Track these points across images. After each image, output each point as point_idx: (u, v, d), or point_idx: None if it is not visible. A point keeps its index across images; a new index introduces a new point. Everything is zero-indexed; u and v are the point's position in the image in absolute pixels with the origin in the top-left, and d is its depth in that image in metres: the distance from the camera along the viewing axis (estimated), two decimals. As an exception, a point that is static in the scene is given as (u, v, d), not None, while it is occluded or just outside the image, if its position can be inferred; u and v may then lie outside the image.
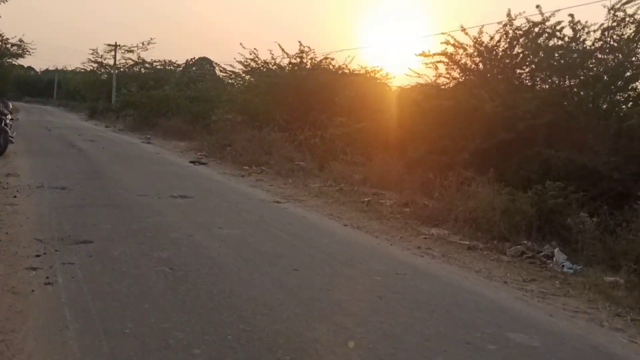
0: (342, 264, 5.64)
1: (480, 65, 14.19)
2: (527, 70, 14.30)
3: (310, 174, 13.11)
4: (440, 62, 14.68)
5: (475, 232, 7.59)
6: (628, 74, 13.64)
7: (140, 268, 5.00)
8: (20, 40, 35.58)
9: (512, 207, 7.72)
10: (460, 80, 14.72)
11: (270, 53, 21.92)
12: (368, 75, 22.78)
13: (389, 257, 6.15)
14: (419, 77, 17.39)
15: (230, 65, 27.68)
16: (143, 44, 41.85)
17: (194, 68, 39.68)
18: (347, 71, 22.58)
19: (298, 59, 22.00)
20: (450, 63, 14.45)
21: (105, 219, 6.98)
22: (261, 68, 23.48)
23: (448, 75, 14.66)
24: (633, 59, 13.40)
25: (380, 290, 4.84)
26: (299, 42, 21.61)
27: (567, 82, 13.86)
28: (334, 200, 9.87)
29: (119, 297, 4.21)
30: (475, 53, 14.03)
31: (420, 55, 14.34)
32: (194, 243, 6.05)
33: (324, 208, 9.20)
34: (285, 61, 22.71)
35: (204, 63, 39.47)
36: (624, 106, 13.48)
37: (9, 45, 34.71)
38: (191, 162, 14.79)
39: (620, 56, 13.46)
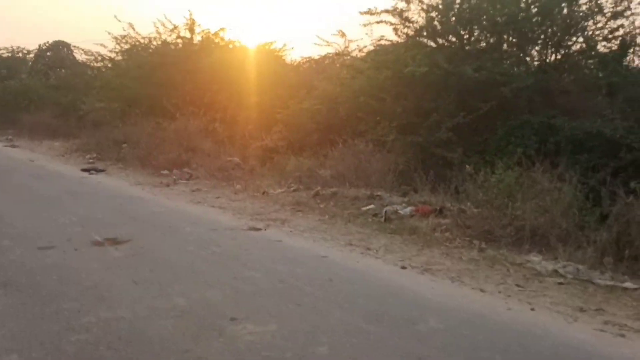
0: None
1: (436, 24, 11.37)
2: (486, 26, 11.66)
3: (253, 172, 9.74)
4: (382, 21, 11.70)
5: (601, 261, 4.77)
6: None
7: None
8: None
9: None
10: (408, 42, 11.82)
11: (155, 26, 17.77)
12: (264, 49, 19.43)
13: None
14: (329, 45, 14.95)
15: (102, 45, 23.15)
16: (-17, 29, 35.09)
17: (48, 53, 33.65)
18: (237, 45, 19.21)
19: (188, 33, 18.06)
20: (401, 22, 11.51)
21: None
22: (140, 45, 19.31)
23: (399, 37, 11.71)
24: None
25: None
26: (190, 12, 17.66)
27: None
28: (331, 216, 6.67)
29: None
30: (432, 8, 11.20)
31: (365, 13, 11.26)
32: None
33: (331, 233, 5.98)
34: (170, 37, 18.71)
35: (61, 47, 33.57)
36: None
37: None
38: (84, 170, 10.75)
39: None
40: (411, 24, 11.47)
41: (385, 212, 6.43)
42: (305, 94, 13.78)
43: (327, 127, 12.08)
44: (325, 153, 9.35)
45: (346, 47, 15.42)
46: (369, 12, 11.38)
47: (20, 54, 36.08)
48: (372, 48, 12.90)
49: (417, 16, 11.51)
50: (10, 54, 35.90)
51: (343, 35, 14.81)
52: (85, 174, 10.34)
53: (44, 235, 5.66)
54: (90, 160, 12.02)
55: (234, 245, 5.41)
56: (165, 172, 10.12)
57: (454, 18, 11.43)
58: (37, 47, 34.10)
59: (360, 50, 14.33)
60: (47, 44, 34.12)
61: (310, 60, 19.20)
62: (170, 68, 17.42)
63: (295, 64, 20.38)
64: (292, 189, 8.42)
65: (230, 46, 19.02)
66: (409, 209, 6.71)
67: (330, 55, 17.62)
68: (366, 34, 13.61)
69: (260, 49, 19.26)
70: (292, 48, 18.31)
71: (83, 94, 20.64)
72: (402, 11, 11.40)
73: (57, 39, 34.19)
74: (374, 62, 11.82)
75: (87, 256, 4.97)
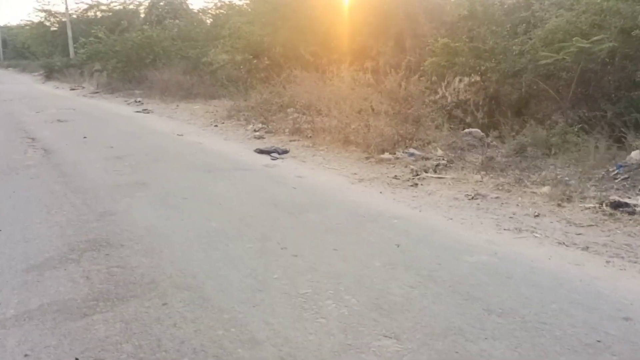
0: None
1: None
2: None
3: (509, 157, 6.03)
4: None
5: None
6: None
7: None
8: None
9: None
10: None
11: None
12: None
13: None
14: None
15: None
16: (95, -18, 33.05)
17: (161, 3, 30.97)
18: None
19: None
20: None
21: None
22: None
23: None
24: None
25: None
26: None
27: None
28: None
29: None
30: None
31: None
32: None
33: None
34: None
35: (173, -4, 30.75)
36: None
37: None
38: (261, 152, 7.44)
39: None
40: None
41: None
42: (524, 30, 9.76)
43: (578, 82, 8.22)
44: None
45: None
46: None
47: (132, 6, 33.79)
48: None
49: None
50: (122, 6, 33.66)
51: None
52: (267, 159, 7.00)
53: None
54: (256, 133, 8.70)
55: None
56: (387, 155, 6.58)
57: None
58: (148, -2, 31.59)
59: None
60: (160, -7, 31.40)
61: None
62: (310, 10, 14.03)
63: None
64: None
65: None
66: None
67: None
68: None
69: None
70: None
71: (205, 45, 17.72)
72: None
73: (170, -13, 31.53)
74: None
75: None
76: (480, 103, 9.53)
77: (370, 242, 3.94)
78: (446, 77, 9.85)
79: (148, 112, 12.31)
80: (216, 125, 9.91)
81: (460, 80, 10.05)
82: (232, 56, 15.84)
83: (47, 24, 35.79)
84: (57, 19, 35.10)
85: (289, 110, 9.82)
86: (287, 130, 8.65)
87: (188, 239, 4.14)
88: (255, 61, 15.23)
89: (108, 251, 3.94)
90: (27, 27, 38.84)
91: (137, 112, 12.50)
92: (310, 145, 7.65)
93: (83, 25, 31.47)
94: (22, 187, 5.84)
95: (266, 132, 8.78)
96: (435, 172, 5.85)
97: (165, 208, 4.95)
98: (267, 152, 7.29)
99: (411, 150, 6.67)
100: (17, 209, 5.08)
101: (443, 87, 9.87)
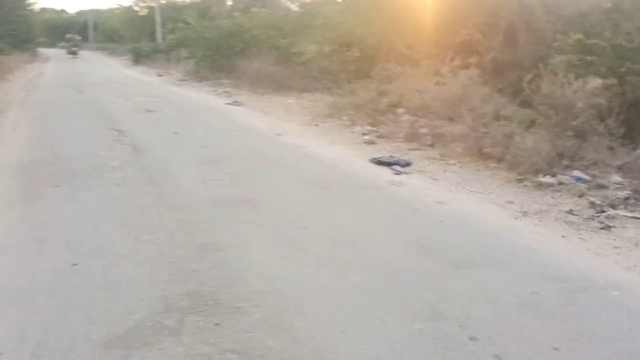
0: None
1: None
2: None
3: None
4: None
5: None
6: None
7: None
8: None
9: None
10: None
11: None
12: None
13: None
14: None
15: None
16: (184, -31, 32.64)
17: (249, -9, 30.09)
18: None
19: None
20: None
21: None
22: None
23: None
24: None
25: None
26: None
27: None
28: None
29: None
30: None
31: None
32: None
33: None
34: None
35: (262, -16, 29.78)
36: None
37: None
38: (379, 162, 6.15)
39: None
40: None
41: None
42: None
43: None
44: None
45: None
46: None
47: (220, -6, 33.19)
48: None
49: None
50: (209, -5, 33.13)
51: None
52: (388, 173, 5.69)
53: None
54: (365, 137, 7.43)
55: None
56: (547, 179, 5.14)
57: None
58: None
59: None
60: (248, -19, 30.58)
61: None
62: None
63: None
64: None
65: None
66: None
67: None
68: None
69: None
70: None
71: (293, 35, 16.59)
72: None
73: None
74: None
75: None
76: (617, 110, 7.88)
77: (604, 337, 2.57)
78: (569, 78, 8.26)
79: (239, 105, 11.28)
80: (317, 125, 8.70)
81: (585, 82, 8.41)
82: (320, 47, 14.71)
83: (137, 8, 35.87)
84: (146, 4, 35.07)
85: (399, 110, 8.50)
86: (401, 135, 7.33)
87: (324, 304, 2.91)
88: (348, 53, 14.01)
89: (218, 318, 2.76)
90: (117, 11, 39.18)
91: (228, 104, 11.49)
92: (437, 156, 6.30)
93: (171, 11, 31.19)
94: (107, 198, 4.80)
95: (377, 137, 7.48)
96: (626, 208, 4.37)
97: (282, 244, 3.75)
98: (386, 163, 5.99)
99: (576, 173, 5.20)
100: (99, 230, 4.02)
101: (569, 90, 8.29)
